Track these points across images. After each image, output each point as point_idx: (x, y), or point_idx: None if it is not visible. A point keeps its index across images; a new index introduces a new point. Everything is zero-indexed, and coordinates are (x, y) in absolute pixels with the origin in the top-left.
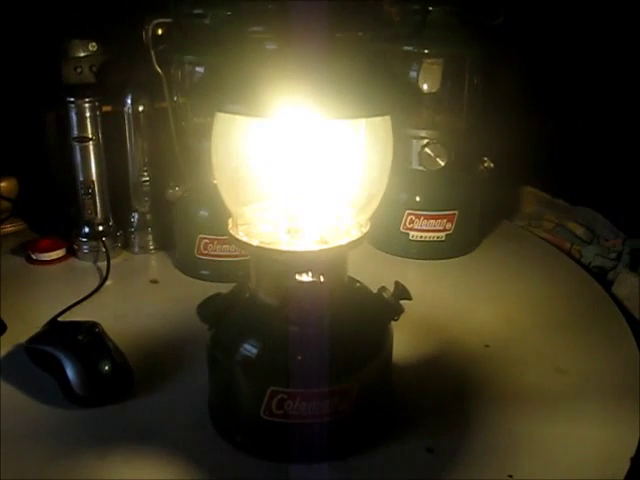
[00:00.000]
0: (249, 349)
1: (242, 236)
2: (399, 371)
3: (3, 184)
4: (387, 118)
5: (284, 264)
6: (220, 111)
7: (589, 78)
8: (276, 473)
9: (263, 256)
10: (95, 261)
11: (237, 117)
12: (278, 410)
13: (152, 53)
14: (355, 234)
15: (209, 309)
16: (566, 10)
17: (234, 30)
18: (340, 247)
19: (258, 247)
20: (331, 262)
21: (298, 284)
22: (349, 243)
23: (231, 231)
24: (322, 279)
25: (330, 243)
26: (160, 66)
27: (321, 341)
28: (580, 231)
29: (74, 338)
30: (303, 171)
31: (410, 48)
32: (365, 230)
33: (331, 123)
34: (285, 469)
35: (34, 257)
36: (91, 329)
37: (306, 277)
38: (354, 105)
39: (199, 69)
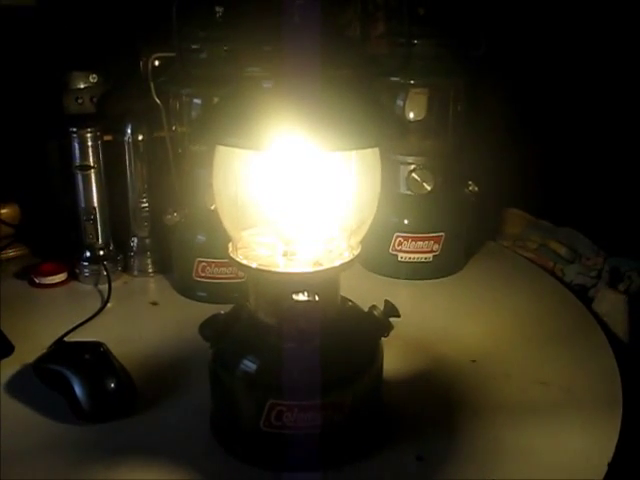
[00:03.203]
0: (249, 365)
1: (241, 259)
2: (390, 385)
3: (6, 210)
4: (376, 149)
5: (281, 285)
6: (221, 144)
7: (571, 102)
8: None
9: (261, 277)
10: (96, 284)
11: (236, 149)
12: (277, 422)
13: (152, 85)
14: (347, 256)
15: (210, 328)
16: (546, 38)
17: (231, 67)
18: (333, 269)
19: (257, 269)
20: (325, 283)
21: (294, 303)
22: (341, 265)
23: (231, 254)
24: (317, 298)
25: (323, 265)
26: (159, 97)
27: (316, 356)
28: (562, 250)
29: (81, 357)
30: (298, 198)
31: (397, 79)
32: (356, 252)
33: (324, 155)
34: (283, 478)
35: (37, 281)
36: (96, 348)
37: (302, 297)
38: (345, 138)
39: (197, 101)
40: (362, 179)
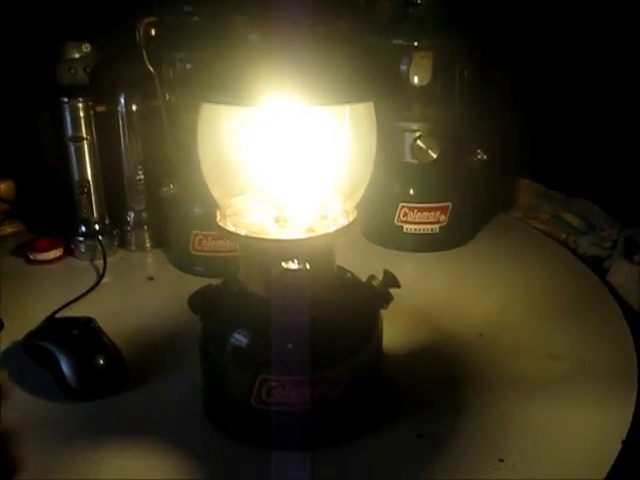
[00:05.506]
0: (239, 338)
1: (229, 226)
2: (392, 360)
3: (0, 186)
4: (370, 105)
5: (271, 253)
6: (206, 102)
7: (584, 68)
8: (269, 461)
9: (251, 246)
10: (92, 259)
11: (223, 108)
12: (268, 398)
13: (144, 52)
14: (342, 222)
15: (200, 300)
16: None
17: (220, 25)
18: (327, 235)
19: (245, 237)
20: (318, 250)
21: (284, 272)
22: (336, 231)
23: (219, 222)
24: (308, 266)
25: (317, 232)
26: (152, 65)
27: (309, 329)
28: (576, 222)
29: (69, 333)
30: (289, 160)
31: (400, 41)
32: (352, 218)
33: (315, 111)
34: (277, 457)
35: (32, 257)
36: (87, 324)
37: (292, 264)
38: (337, 92)
39: (189, 66)
40: (356, 138)
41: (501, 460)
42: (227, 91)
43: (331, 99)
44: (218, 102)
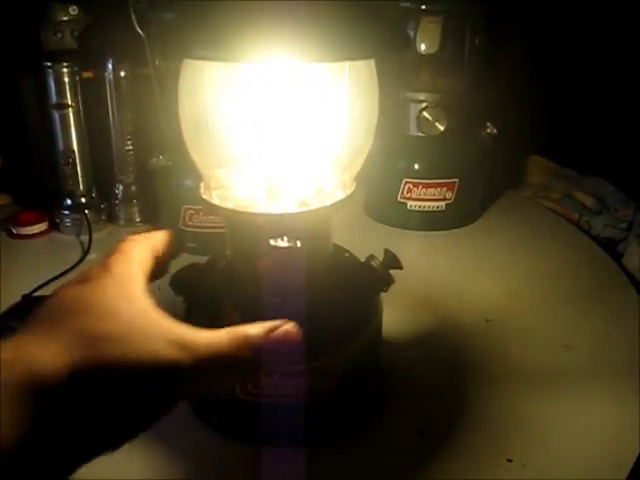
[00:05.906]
0: (223, 322)
1: (214, 199)
2: (393, 347)
3: None
4: (372, 64)
5: (259, 229)
6: (188, 57)
7: (601, 42)
8: (256, 456)
9: (237, 221)
10: (78, 234)
11: (206, 64)
12: (255, 389)
13: (132, 12)
14: (339, 196)
15: (183, 280)
16: None
17: None
18: (321, 209)
19: (230, 210)
20: (312, 226)
21: (271, 250)
22: (332, 205)
23: (203, 195)
24: (299, 244)
25: (311, 206)
26: (142, 28)
27: (300, 313)
28: (589, 201)
29: None
30: (281, 125)
31: (407, 4)
32: (350, 192)
33: (311, 69)
34: (265, 452)
35: (15, 231)
36: None
37: (281, 242)
38: (336, 47)
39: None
40: (357, 100)
41: (510, 460)
42: (211, 45)
43: (329, 55)
44: (200, 57)
